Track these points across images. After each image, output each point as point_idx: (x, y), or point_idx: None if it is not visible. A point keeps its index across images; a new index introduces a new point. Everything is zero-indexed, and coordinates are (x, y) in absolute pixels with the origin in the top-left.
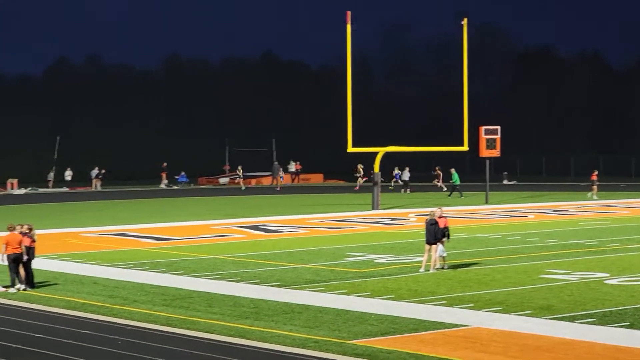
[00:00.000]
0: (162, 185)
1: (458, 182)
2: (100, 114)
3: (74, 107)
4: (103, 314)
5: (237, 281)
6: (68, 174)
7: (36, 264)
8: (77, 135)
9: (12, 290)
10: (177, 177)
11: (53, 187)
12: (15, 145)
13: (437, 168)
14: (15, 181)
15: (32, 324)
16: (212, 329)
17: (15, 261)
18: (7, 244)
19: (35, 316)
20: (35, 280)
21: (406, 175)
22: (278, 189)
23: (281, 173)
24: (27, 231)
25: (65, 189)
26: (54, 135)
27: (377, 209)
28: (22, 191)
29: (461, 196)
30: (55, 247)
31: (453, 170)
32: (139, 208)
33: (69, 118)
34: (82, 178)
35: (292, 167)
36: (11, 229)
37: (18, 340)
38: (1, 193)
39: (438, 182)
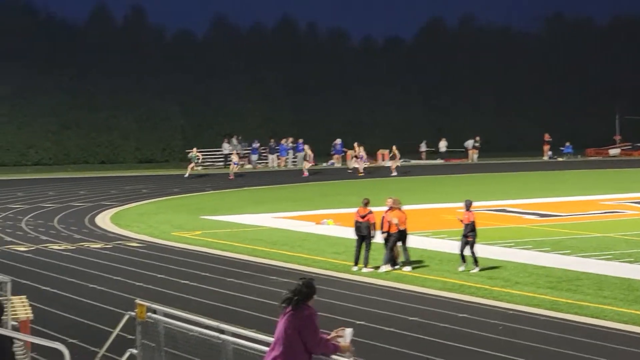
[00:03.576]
0: (545, 157)
1: None
2: (474, 78)
3: (446, 69)
4: (482, 297)
5: (630, 262)
6: (442, 145)
7: (408, 241)
8: (451, 103)
9: (382, 268)
10: (562, 148)
11: (426, 158)
12: (388, 113)
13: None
14: (386, 152)
15: (406, 306)
16: (603, 315)
17: (400, 239)
18: (390, 221)
19: (410, 298)
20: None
21: None
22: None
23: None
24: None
25: (439, 161)
26: (427, 102)
27: None
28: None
29: None
30: (429, 223)
31: None
32: (520, 182)
33: (442, 81)
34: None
35: None
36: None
37: (391, 323)
38: (373, 165)
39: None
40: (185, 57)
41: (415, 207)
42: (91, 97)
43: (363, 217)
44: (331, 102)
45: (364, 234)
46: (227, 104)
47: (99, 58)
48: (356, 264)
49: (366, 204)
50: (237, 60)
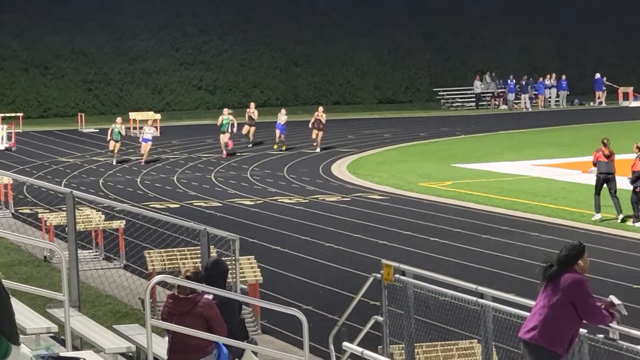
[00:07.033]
0: None
1: None
2: None
3: None
4: None
5: None
6: None
7: None
8: None
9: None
10: None
11: None
12: None
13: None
14: (630, 90)
15: None
16: None
17: None
18: None
19: None
20: None
21: None
22: None
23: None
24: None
25: None
26: None
27: None
28: None
29: None
30: None
31: None
32: None
33: None
34: None
35: None
36: None
37: None
38: (612, 106)
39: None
40: None
41: None
42: (324, 28)
43: (608, 156)
44: (598, 29)
45: (609, 178)
46: (479, 34)
47: None
48: (599, 211)
49: (607, 143)
50: None
